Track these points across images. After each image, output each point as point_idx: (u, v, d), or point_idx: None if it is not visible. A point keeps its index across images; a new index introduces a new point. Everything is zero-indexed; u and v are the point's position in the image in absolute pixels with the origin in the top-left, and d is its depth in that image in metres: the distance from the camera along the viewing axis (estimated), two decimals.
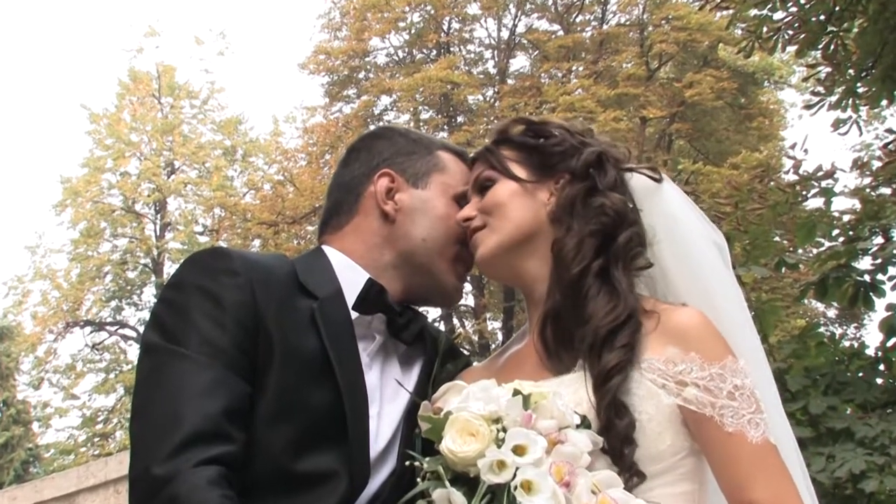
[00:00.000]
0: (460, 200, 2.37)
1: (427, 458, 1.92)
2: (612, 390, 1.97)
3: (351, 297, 2.23)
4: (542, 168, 2.30)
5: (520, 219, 2.25)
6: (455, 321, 24.86)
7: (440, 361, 2.32)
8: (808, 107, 7.05)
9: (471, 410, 1.87)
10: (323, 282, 2.23)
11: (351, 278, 2.27)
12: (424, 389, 2.23)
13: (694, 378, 1.99)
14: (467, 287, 23.64)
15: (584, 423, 1.93)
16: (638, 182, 2.31)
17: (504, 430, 1.85)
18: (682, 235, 2.27)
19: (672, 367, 2.00)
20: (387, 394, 2.22)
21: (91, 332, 28.70)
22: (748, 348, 2.17)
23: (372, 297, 2.24)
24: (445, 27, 25.26)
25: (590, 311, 2.09)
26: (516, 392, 1.89)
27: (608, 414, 1.95)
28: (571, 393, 2.01)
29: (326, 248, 2.37)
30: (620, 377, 1.99)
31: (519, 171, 2.30)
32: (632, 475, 1.93)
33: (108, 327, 28.93)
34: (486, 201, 2.30)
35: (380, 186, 2.37)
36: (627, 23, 24.58)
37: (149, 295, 28.87)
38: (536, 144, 2.33)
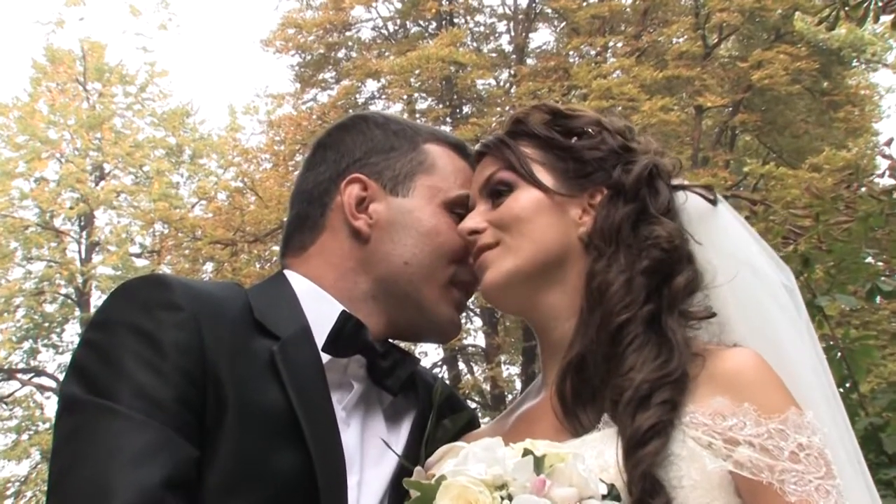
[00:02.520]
0: (453, 208, 2.38)
1: None
2: (647, 459, 1.97)
3: (321, 335, 2.24)
4: (575, 177, 2.31)
5: (546, 240, 2.27)
6: (461, 365, 24.83)
7: (435, 416, 2.32)
8: None
9: (469, 474, 1.87)
10: (285, 317, 2.24)
11: (320, 312, 2.27)
12: (416, 452, 2.24)
13: (748, 435, 2.00)
14: (477, 324, 23.64)
15: (612, 494, 1.93)
16: (689, 204, 2.34)
17: (510, 497, 1.85)
18: (743, 273, 2.27)
19: (720, 421, 2.01)
20: (369, 457, 2.23)
21: None
22: (821, 400, 2.18)
23: (347, 334, 2.25)
24: None
25: (630, 363, 2.10)
26: (527, 452, 1.90)
27: (641, 487, 1.95)
28: (595, 456, 2.01)
29: (289, 274, 2.38)
30: (658, 442, 1.99)
31: (546, 178, 2.31)
32: None
33: (19, 375, 28.88)
34: (502, 212, 2.31)
35: (349, 196, 2.38)
36: None
37: (72, 334, 28.85)
38: (568, 145, 2.34)
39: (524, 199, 2.29)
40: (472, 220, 2.34)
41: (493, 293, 2.31)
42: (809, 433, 2.01)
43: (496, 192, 2.34)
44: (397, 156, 2.43)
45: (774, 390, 2.05)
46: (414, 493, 1.96)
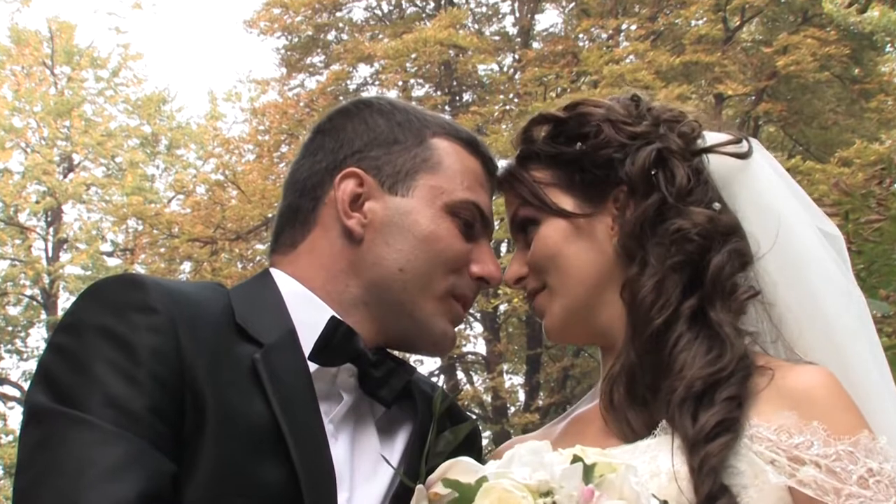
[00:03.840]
0: (456, 212, 2.36)
1: None
2: (715, 455, 2.00)
3: (308, 341, 2.23)
4: (593, 188, 2.34)
5: (584, 269, 2.31)
6: (460, 374, 24.81)
7: (435, 428, 2.32)
8: None
9: (513, 478, 1.88)
10: (269, 322, 2.24)
11: (308, 316, 2.27)
12: (415, 467, 2.24)
13: (814, 455, 2.02)
14: (477, 329, 23.62)
15: None
16: (716, 163, 2.35)
17: None
18: (788, 237, 2.30)
19: (786, 438, 2.04)
20: (360, 473, 2.23)
21: None
22: (885, 411, 2.22)
23: (337, 341, 2.24)
24: None
25: (681, 362, 2.14)
26: (576, 459, 1.91)
27: (708, 488, 1.98)
28: (647, 461, 2.05)
29: (276, 274, 2.37)
30: (727, 438, 2.03)
31: (564, 201, 2.34)
32: None
33: None
34: (534, 254, 2.35)
35: (343, 192, 2.36)
36: None
37: (37, 338, 28.86)
38: (575, 154, 2.35)
39: (549, 233, 2.33)
40: (514, 268, 2.41)
41: (556, 338, 2.41)
42: (881, 459, 2.04)
43: (525, 230, 2.38)
44: (400, 150, 2.40)
45: (846, 411, 2.09)
46: (445, 493, 1.97)
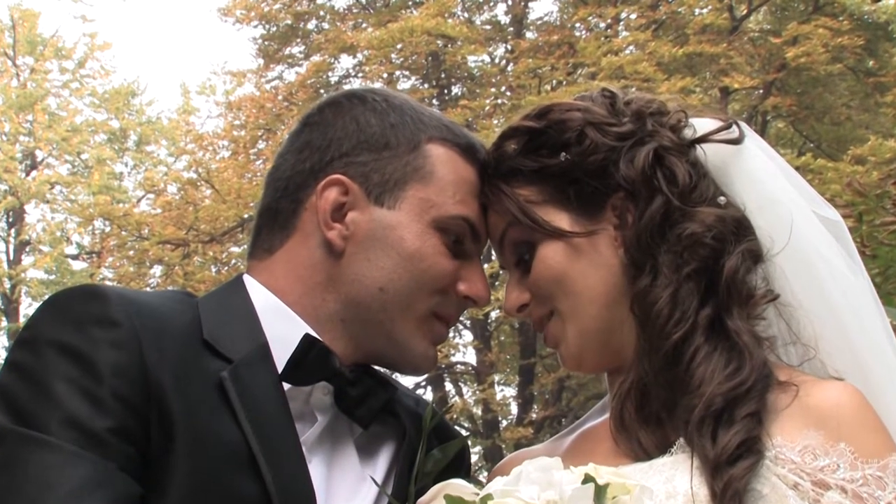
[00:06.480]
0: (445, 226, 2.33)
1: None
2: (739, 478, 1.99)
3: (281, 356, 2.22)
4: (588, 200, 2.31)
5: (593, 289, 2.29)
6: (448, 386, 24.80)
7: (424, 446, 2.31)
8: None
9: (520, 497, 1.88)
10: (239, 335, 2.22)
11: (282, 331, 2.25)
12: (403, 488, 2.24)
13: (840, 479, 2.02)
14: (467, 338, 23.61)
15: None
16: (710, 152, 2.34)
17: None
18: (789, 226, 2.28)
19: (811, 459, 2.04)
20: (338, 497, 2.22)
21: None
22: None
23: (310, 361, 2.23)
24: None
25: (698, 377, 2.13)
26: (588, 478, 1.91)
27: None
28: (663, 481, 2.05)
29: (249, 282, 2.35)
30: (752, 459, 2.02)
31: (560, 219, 2.31)
32: None
33: None
34: (536, 280, 2.32)
35: (325, 201, 2.32)
36: None
37: None
38: (562, 166, 2.32)
39: (549, 257, 2.31)
40: (514, 295, 2.37)
41: (574, 366, 2.38)
42: None
43: (518, 252, 2.36)
44: (390, 157, 2.35)
45: (875, 432, 2.09)
46: None
